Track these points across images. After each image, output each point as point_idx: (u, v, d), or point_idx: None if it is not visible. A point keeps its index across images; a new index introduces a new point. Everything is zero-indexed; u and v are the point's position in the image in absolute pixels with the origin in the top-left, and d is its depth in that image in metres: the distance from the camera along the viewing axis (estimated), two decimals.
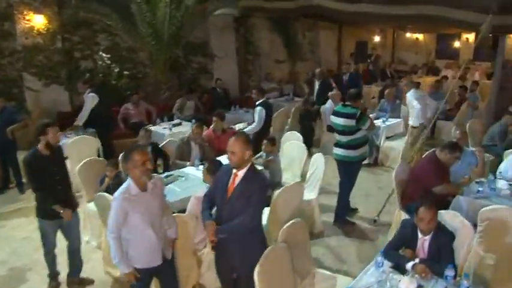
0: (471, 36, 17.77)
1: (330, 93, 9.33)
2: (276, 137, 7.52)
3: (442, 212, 4.22)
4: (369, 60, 15.78)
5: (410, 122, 8.43)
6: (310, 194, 5.87)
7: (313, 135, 9.43)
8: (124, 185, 3.58)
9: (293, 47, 14.37)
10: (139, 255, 3.64)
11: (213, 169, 4.37)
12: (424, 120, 8.37)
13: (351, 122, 5.71)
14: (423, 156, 5.98)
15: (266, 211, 4.82)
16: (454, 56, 18.34)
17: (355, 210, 6.63)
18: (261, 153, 6.28)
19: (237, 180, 3.54)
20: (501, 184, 5.40)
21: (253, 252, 3.46)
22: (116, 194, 3.56)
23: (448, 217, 4.20)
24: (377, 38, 17.18)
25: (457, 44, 18.19)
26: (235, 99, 11.67)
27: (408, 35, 18.45)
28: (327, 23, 14.98)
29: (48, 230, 4.58)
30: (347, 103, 5.93)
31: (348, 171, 6.05)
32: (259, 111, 7.72)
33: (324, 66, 15.35)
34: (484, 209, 4.47)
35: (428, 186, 5.10)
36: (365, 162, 7.11)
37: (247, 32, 13.17)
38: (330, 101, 9.02)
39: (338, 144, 5.98)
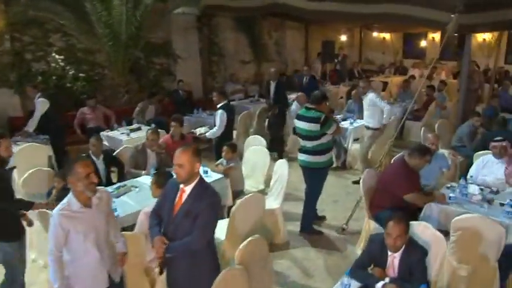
0: (437, 36, 17.79)
1: (296, 95, 9.02)
2: (241, 141, 7.17)
3: (413, 223, 3.92)
4: (336, 60, 15.57)
5: (370, 124, 7.78)
6: (273, 202, 5.52)
7: (283, 145, 9.07)
8: (64, 200, 3.21)
9: (259, 48, 14.03)
10: (83, 278, 3.27)
11: (162, 182, 3.95)
12: (385, 122, 8.00)
13: (315, 127, 5.34)
14: (392, 161, 5.68)
15: (224, 224, 4.46)
16: (420, 55, 18.33)
17: (322, 218, 6.30)
18: (221, 160, 5.89)
19: (184, 196, 3.18)
20: (472, 189, 5.14)
21: (202, 274, 3.17)
22: (55, 210, 3.20)
23: (419, 229, 3.90)
24: (344, 38, 16.98)
25: (423, 43, 18.18)
26: (199, 101, 11.24)
27: (375, 34, 18.34)
28: (294, 22, 14.73)
29: None
30: (311, 106, 5.52)
31: (314, 178, 5.71)
32: (220, 115, 7.33)
33: (291, 66, 15.13)
34: (456, 218, 4.21)
35: (398, 195, 4.82)
36: (333, 165, 6.75)
37: (211, 32, 12.76)
38: (295, 103, 8.70)
39: (302, 150, 5.61)
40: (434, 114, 10.44)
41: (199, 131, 7.70)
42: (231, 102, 11.00)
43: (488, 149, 6.22)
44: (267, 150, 6.27)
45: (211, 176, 5.56)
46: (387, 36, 18.34)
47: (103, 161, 5.88)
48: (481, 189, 5.21)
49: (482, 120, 7.63)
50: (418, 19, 7.95)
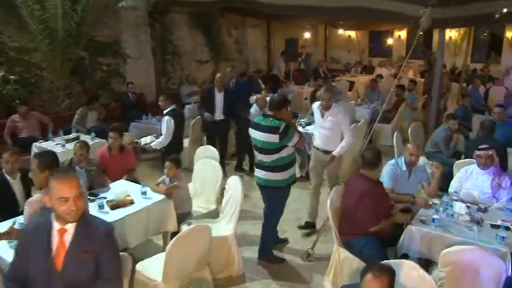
0: (403, 33, 17.32)
1: (255, 97, 8.18)
2: (193, 151, 6.27)
3: (395, 262, 3.10)
4: (299, 59, 14.78)
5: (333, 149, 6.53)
6: (225, 227, 4.63)
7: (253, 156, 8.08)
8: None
9: (218, 46, 13.09)
10: None
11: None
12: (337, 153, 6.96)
13: (274, 138, 4.40)
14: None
15: (160, 260, 3.56)
16: (387, 53, 17.83)
17: (284, 241, 5.44)
18: (163, 177, 4.94)
19: (68, 238, 2.51)
20: (459, 208, 4.38)
21: None
22: None
23: (404, 270, 3.07)
24: (308, 35, 16.21)
25: (389, 41, 17.68)
26: (152, 105, 10.22)
27: (340, 32, 17.68)
28: (255, 19, 13.90)
29: None
30: (268, 113, 4.57)
31: (274, 198, 4.78)
32: (167, 122, 6.43)
33: (252, 66, 14.28)
34: (446, 251, 3.44)
35: (364, 225, 4.07)
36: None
37: (165, 30, 11.72)
38: (255, 106, 7.84)
39: (260, 166, 4.68)
40: (404, 115, 9.79)
41: (144, 140, 6.73)
42: (187, 106, 10.17)
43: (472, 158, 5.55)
44: (218, 163, 5.35)
45: (151, 198, 4.64)
46: (353, 34, 17.74)
47: (20, 180, 4.85)
48: (467, 207, 4.48)
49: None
50: (391, 13, 7.34)
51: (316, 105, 5.68)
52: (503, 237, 3.83)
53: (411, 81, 11.12)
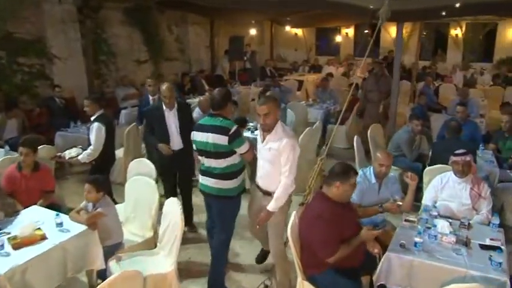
0: (351, 31, 16.96)
1: (197, 99, 7.35)
2: (128, 164, 5.33)
3: None
4: (245, 58, 14.00)
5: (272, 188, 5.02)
6: (165, 261, 3.76)
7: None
8: None
9: (157, 45, 12.05)
10: None
11: None
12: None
13: (223, 140, 3.81)
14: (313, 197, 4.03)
15: None
16: (334, 51, 17.40)
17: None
18: (83, 203, 3.98)
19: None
20: (441, 226, 3.73)
21: None
22: None
23: None
24: (254, 32, 15.44)
25: (337, 39, 17.28)
26: (83, 111, 9.07)
27: (287, 29, 17.04)
28: (197, 16, 12.98)
29: None
30: (214, 112, 3.96)
31: (225, 211, 4.09)
32: (96, 130, 5.45)
33: (195, 65, 13.38)
34: None
35: (321, 256, 3.35)
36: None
37: (98, 27, 10.60)
38: (197, 110, 7.01)
39: (208, 172, 4.02)
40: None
41: (69, 153, 5.67)
42: (123, 111, 9.13)
43: (441, 163, 4.98)
44: (153, 181, 4.45)
45: (69, 230, 3.69)
46: (299, 32, 17.16)
47: None
48: (449, 222, 3.85)
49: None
50: (348, 6, 6.81)
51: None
52: (499, 263, 3.20)
53: (364, 80, 10.56)
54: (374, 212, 4.12)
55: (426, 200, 4.46)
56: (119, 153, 6.48)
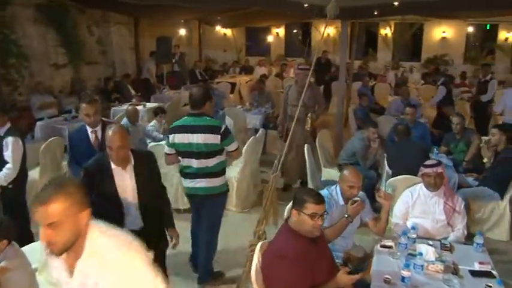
0: (281, 31, 16.63)
1: (124, 107, 6.56)
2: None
3: None
4: (173, 60, 13.14)
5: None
6: None
7: None
8: None
9: (76, 47, 10.90)
10: None
11: None
12: None
13: (215, 139, 3.80)
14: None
15: None
16: (265, 52, 16.98)
17: (219, 275, 4.40)
18: None
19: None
20: (425, 252, 3.25)
21: None
22: None
23: None
24: (183, 32, 14.59)
25: (268, 39, 16.88)
26: None
27: (216, 29, 16.35)
28: (120, 15, 11.96)
29: None
30: (195, 111, 3.85)
31: (217, 207, 4.19)
32: (13, 144, 4.34)
33: (119, 69, 12.35)
34: None
35: None
36: None
37: (5, 26, 9.35)
38: (125, 120, 6.21)
39: (199, 174, 3.92)
40: None
41: None
42: (38, 122, 8.03)
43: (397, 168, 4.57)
44: None
45: None
46: (228, 32, 16.55)
47: None
48: (430, 245, 3.39)
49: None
50: (291, 3, 6.22)
51: None
52: None
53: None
54: (342, 225, 3.53)
55: (396, 217, 4.00)
56: (34, 174, 5.51)
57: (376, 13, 7.14)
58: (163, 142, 5.83)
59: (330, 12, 5.15)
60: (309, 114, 6.30)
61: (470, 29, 15.53)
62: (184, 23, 14.40)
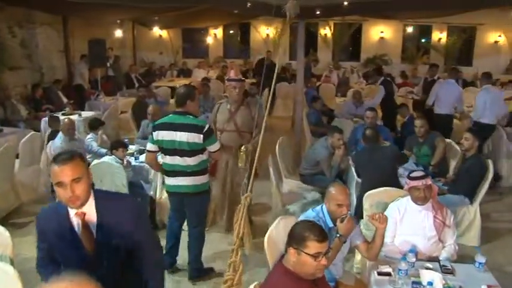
0: (219, 32, 16.12)
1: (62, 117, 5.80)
2: None
3: None
4: (108, 64, 12.18)
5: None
6: None
7: None
8: None
9: None
10: None
11: None
12: None
13: (198, 138, 3.87)
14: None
15: None
16: (203, 54, 16.37)
17: (209, 272, 4.38)
18: None
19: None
20: (431, 278, 2.88)
21: None
22: None
23: None
24: (119, 33, 13.66)
25: (205, 40, 16.29)
26: None
27: (155, 29, 15.45)
28: (47, 14, 10.89)
29: None
30: (182, 109, 3.95)
31: (201, 205, 4.23)
32: None
33: (48, 74, 11.28)
34: None
35: None
36: None
37: None
38: (60, 136, 5.49)
39: (182, 172, 3.98)
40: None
41: None
42: None
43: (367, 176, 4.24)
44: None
45: None
46: (164, 33, 15.77)
47: None
48: (429, 268, 3.06)
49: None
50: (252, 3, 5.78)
51: None
52: None
53: (253, 84, 9.69)
54: (337, 247, 3.06)
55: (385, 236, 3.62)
56: None
57: (335, 12, 6.88)
58: (106, 158, 5.20)
59: (290, 12, 4.77)
60: (243, 147, 4.57)
61: (410, 30, 15.83)
62: (118, 24, 13.50)
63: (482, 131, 6.53)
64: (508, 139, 7.14)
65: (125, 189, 4.84)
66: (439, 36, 15.61)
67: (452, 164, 5.90)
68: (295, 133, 6.80)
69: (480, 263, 3.17)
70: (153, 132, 3.94)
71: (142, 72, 13.96)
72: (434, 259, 3.39)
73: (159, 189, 5.29)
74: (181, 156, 3.90)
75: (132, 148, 5.81)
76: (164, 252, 4.07)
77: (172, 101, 11.03)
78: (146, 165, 5.33)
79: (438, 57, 15.41)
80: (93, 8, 9.61)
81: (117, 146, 5.11)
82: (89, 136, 6.09)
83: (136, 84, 12.69)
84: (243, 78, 5.12)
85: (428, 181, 3.55)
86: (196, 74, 14.16)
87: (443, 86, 8.21)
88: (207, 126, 3.90)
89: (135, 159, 5.56)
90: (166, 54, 16.09)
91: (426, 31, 15.88)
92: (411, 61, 15.25)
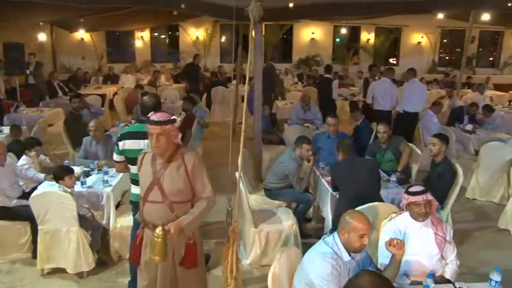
0: (146, 35, 15.33)
1: None
2: None
3: None
4: (27, 71, 10.95)
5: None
6: None
7: None
8: None
9: None
10: None
11: None
12: None
13: None
14: None
15: None
16: (129, 58, 15.46)
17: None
18: None
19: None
20: None
21: None
22: None
23: None
24: (43, 37, 12.44)
25: (132, 43, 15.42)
26: None
27: (77, 33, 14.26)
28: None
29: None
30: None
31: None
32: None
33: None
34: None
35: None
36: None
37: None
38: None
39: None
40: (195, 136, 7.69)
41: None
42: None
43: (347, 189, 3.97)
44: None
45: None
46: (86, 36, 14.68)
47: None
48: None
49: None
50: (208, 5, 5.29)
51: None
52: None
53: (185, 99, 8.92)
54: None
55: (385, 257, 3.30)
56: None
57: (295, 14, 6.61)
58: (49, 186, 4.50)
59: (254, 14, 4.49)
60: (158, 230, 2.87)
61: (346, 31, 16.00)
62: (40, 27, 12.30)
63: (409, 119, 7.97)
64: (456, 140, 7.29)
65: (75, 222, 4.20)
66: (368, 37, 15.94)
67: (414, 168, 5.81)
68: (255, 144, 6.36)
69: (496, 282, 2.97)
70: (119, 143, 3.79)
71: (65, 79, 12.86)
72: (447, 281, 3.16)
73: (113, 217, 4.65)
74: None
75: (76, 171, 4.99)
76: None
77: (104, 110, 10.23)
78: (96, 190, 4.72)
79: (367, 58, 15.74)
80: (8, 8, 8.58)
81: (62, 174, 4.37)
82: (21, 160, 5.19)
83: (60, 93, 11.71)
84: (172, 118, 3.08)
85: (429, 196, 3.31)
86: (124, 80, 13.33)
87: (379, 84, 8.59)
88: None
89: (82, 184, 4.80)
90: (90, 59, 14.99)
91: (355, 32, 16.16)
92: (342, 61, 15.42)
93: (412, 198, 3.31)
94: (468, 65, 14.40)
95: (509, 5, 7.79)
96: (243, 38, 15.61)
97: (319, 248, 2.85)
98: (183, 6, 7.05)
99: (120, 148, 3.79)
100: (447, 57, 17.27)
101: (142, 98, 4.02)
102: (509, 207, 5.67)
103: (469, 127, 7.87)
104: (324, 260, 2.73)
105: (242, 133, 3.94)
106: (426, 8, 8.63)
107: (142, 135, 3.67)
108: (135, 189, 3.80)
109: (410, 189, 3.37)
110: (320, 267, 2.72)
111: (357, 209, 3.90)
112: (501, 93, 13.58)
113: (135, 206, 3.78)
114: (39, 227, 4.28)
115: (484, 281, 3.07)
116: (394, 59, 16.65)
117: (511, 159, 6.32)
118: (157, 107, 3.75)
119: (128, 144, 3.76)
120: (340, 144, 4.93)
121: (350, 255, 2.81)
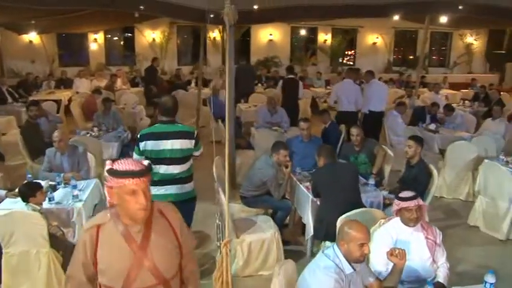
0: (100, 37, 14.81)
1: None
2: None
3: None
4: None
5: None
6: None
7: None
8: None
9: None
10: None
11: None
12: None
13: (190, 144, 4.04)
14: None
15: None
16: (83, 61, 14.88)
17: None
18: None
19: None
20: None
21: None
22: None
23: None
24: None
25: (87, 46, 14.85)
26: None
27: (26, 35, 13.50)
28: None
29: None
30: (167, 119, 4.00)
31: (191, 211, 4.27)
32: None
33: None
34: None
35: None
36: None
37: None
38: None
39: (175, 180, 4.04)
40: None
41: None
42: None
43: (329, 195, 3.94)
44: None
45: None
46: (36, 39, 13.99)
47: None
48: None
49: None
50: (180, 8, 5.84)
51: None
52: None
53: (150, 117, 8.76)
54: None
55: (378, 265, 3.27)
56: None
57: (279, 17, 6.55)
58: (13, 203, 4.19)
59: (229, 17, 4.41)
60: None
61: (303, 32, 16.05)
62: None
63: (376, 118, 8.19)
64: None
65: (45, 243, 3.92)
66: (325, 37, 16.10)
67: (387, 170, 5.84)
68: (227, 150, 6.19)
69: (491, 284, 2.98)
70: (140, 143, 3.93)
71: (14, 84, 12.20)
72: (442, 286, 3.16)
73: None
74: (173, 164, 3.97)
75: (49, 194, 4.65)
76: None
77: (60, 116, 9.76)
78: (66, 206, 4.43)
79: (325, 58, 15.90)
80: None
81: (31, 192, 4.07)
82: None
83: (9, 99, 11.12)
84: (144, 164, 2.11)
85: (420, 201, 3.32)
86: (78, 84, 12.80)
87: (342, 86, 8.62)
88: (196, 132, 4.08)
89: (50, 200, 4.47)
90: (40, 63, 14.29)
91: (313, 33, 16.28)
92: (300, 62, 15.48)
93: (404, 204, 3.29)
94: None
95: (460, 7, 8.07)
96: (198, 40, 15.48)
97: (320, 261, 2.77)
98: (146, 10, 6.80)
99: (141, 149, 3.92)
100: (400, 57, 17.70)
101: (162, 99, 4.14)
102: (477, 204, 5.85)
103: (433, 126, 8.06)
104: (327, 274, 2.65)
105: (213, 143, 4.20)
106: (382, 12, 8.86)
107: (164, 135, 3.92)
108: (152, 190, 3.26)
109: (402, 195, 3.35)
110: (323, 281, 2.64)
111: (343, 216, 3.88)
112: (453, 91, 14.07)
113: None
114: (4, 251, 3.93)
115: (464, 279, 3.09)
116: (351, 58, 16.92)
117: (476, 158, 6.51)
118: (177, 107, 4.02)
119: (149, 145, 3.90)
120: (320, 149, 4.87)
121: (351, 266, 2.74)
